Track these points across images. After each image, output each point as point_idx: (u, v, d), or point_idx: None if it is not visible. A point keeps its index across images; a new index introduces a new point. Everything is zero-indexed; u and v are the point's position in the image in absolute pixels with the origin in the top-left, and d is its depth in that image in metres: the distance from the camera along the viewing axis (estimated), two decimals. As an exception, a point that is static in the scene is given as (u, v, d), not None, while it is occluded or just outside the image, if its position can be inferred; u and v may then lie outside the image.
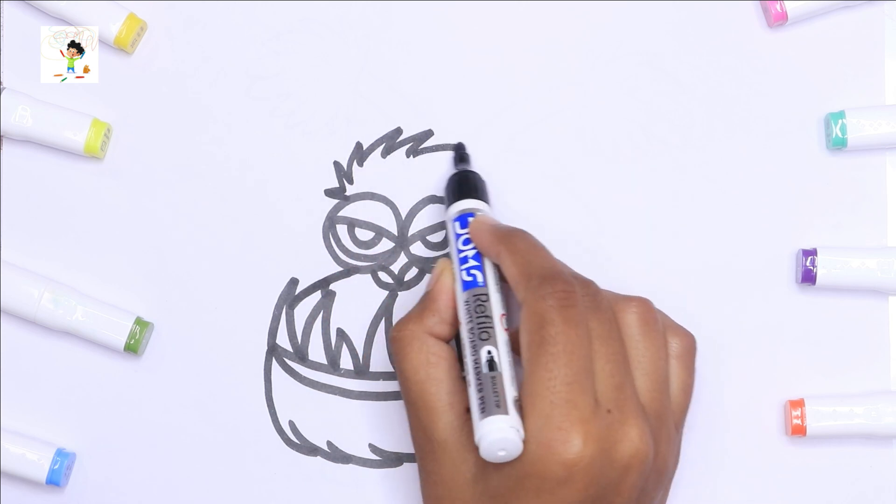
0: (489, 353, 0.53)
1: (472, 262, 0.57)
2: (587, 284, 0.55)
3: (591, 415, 0.52)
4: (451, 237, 0.58)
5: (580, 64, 0.64)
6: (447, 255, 0.60)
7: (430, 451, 0.55)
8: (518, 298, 0.55)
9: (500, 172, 0.63)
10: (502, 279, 0.57)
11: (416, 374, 0.55)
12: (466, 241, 0.58)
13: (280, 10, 0.64)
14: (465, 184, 0.60)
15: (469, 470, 0.54)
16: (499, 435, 0.51)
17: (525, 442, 0.52)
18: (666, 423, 0.55)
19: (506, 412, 0.51)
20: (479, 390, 0.53)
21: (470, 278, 0.56)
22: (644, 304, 0.56)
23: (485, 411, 0.52)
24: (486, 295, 0.56)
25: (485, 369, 0.53)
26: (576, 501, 0.52)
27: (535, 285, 0.53)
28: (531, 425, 0.52)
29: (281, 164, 0.63)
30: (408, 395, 0.56)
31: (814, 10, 0.63)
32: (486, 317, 0.55)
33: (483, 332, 0.54)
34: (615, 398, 0.53)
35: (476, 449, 0.53)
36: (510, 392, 0.52)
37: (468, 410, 0.54)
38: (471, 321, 0.55)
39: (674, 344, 0.57)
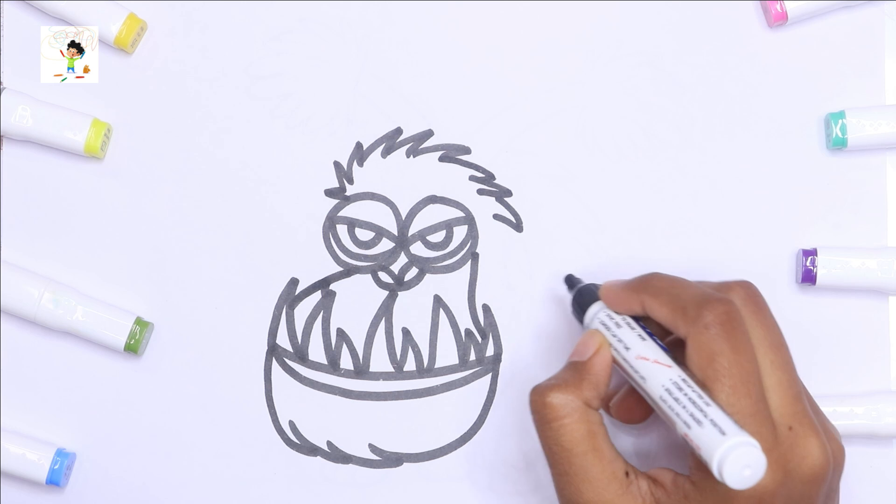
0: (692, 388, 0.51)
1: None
2: (744, 288, 0.53)
3: (774, 441, 0.50)
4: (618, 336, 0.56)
5: (580, 64, 0.64)
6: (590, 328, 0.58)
7: None
8: (680, 335, 0.53)
9: (501, 172, 0.63)
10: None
11: (578, 447, 0.53)
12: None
13: (280, 10, 0.64)
14: (593, 292, 0.58)
15: None
16: (735, 454, 0.48)
17: (714, 482, 0.50)
18: (819, 411, 0.54)
19: (723, 434, 0.49)
20: (690, 426, 0.50)
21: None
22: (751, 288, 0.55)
23: (708, 443, 0.49)
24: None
25: (698, 400, 0.51)
26: None
27: (693, 316, 0.52)
28: None
29: (281, 164, 0.63)
30: (567, 467, 0.54)
31: (814, 10, 0.63)
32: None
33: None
34: (794, 412, 0.51)
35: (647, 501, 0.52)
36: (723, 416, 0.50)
37: (627, 474, 0.53)
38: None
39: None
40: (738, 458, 0.48)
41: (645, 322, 0.56)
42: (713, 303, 0.52)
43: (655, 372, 0.52)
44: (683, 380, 0.52)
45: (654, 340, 0.54)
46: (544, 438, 0.54)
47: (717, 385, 0.51)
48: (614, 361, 0.55)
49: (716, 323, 0.51)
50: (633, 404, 0.57)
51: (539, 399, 0.54)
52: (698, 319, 0.51)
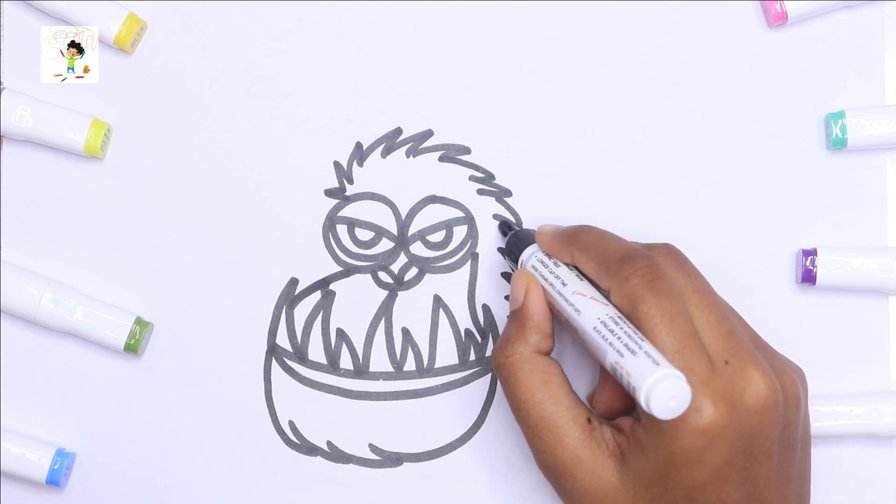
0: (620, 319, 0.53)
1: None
2: (665, 247, 0.55)
3: (711, 373, 0.51)
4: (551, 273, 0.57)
5: (580, 64, 0.64)
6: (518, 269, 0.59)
7: (564, 471, 0.54)
8: (604, 288, 0.54)
9: (501, 172, 0.63)
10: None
11: (533, 397, 0.55)
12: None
13: (280, 10, 0.64)
14: (524, 238, 0.60)
15: (612, 473, 0.54)
16: (663, 384, 0.49)
17: (659, 421, 0.51)
18: (770, 350, 0.55)
19: (657, 364, 0.50)
20: (623, 353, 0.51)
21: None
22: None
23: (640, 371, 0.50)
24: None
25: (627, 331, 0.52)
26: (726, 459, 0.51)
27: (616, 270, 0.53)
28: None
29: (281, 164, 0.63)
30: (527, 419, 0.55)
31: (814, 10, 0.63)
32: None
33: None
34: (728, 347, 0.52)
35: (612, 451, 0.53)
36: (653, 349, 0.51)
37: (589, 420, 0.54)
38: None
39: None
40: (664, 389, 0.49)
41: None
42: (634, 258, 0.53)
43: (591, 305, 0.54)
44: (619, 317, 0.53)
45: (589, 279, 0.56)
46: (507, 397, 0.56)
47: (642, 329, 0.52)
48: (548, 300, 0.56)
49: (636, 275, 0.53)
50: (613, 395, 0.57)
51: (494, 363, 0.56)
52: (619, 272, 0.53)
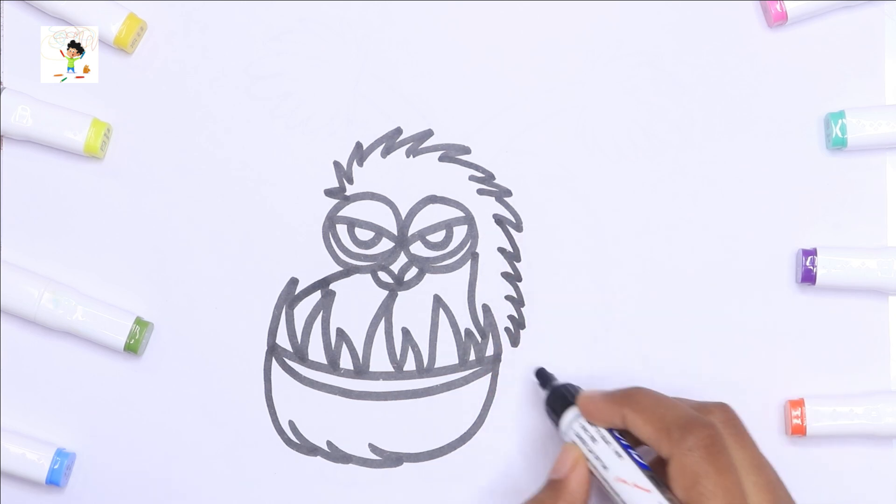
0: None
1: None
2: (722, 411, 0.54)
3: None
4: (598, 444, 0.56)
5: (580, 64, 0.64)
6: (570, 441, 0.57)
7: None
8: (662, 454, 0.53)
9: (501, 172, 0.63)
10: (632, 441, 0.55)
11: None
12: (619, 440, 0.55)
13: (280, 10, 0.64)
14: (566, 396, 0.58)
15: None
16: None
17: None
18: None
19: None
20: None
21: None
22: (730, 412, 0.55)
23: None
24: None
25: None
26: None
27: (678, 438, 0.52)
28: None
29: (281, 164, 0.63)
30: None
31: (814, 10, 0.63)
32: None
33: None
34: None
35: None
36: None
37: None
38: None
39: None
40: None
41: (620, 432, 0.56)
42: (697, 427, 0.52)
43: (636, 498, 0.53)
44: None
45: (631, 455, 0.54)
46: None
47: None
48: (594, 474, 0.55)
49: (699, 446, 0.52)
50: None
51: None
52: (682, 442, 0.52)
